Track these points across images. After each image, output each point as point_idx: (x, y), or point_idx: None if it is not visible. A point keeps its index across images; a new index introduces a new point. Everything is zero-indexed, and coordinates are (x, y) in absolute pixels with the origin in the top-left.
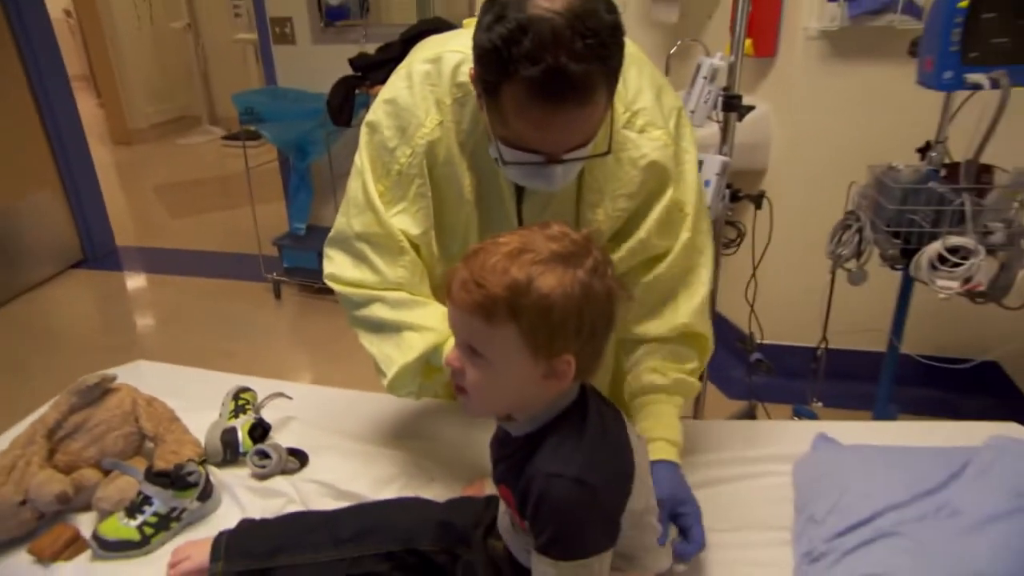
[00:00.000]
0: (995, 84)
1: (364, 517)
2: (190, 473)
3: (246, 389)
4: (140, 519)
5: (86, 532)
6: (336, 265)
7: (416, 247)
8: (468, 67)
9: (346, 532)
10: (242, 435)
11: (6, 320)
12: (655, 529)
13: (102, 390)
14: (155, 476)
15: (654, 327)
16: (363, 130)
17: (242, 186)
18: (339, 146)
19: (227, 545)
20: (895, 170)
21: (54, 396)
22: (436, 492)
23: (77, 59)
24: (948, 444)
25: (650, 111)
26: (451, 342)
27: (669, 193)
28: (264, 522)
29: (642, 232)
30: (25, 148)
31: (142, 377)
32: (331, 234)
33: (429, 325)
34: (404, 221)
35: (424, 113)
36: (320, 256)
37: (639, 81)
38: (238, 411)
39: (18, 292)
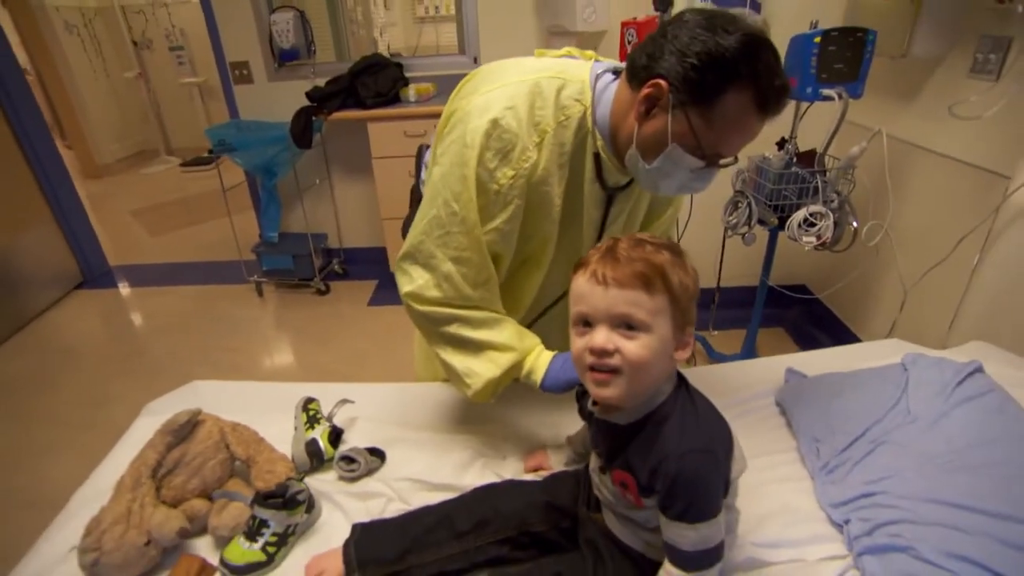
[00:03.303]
0: (840, 96)
1: (476, 509)
2: (299, 492)
3: (311, 400)
4: (261, 541)
5: (206, 556)
6: (417, 284)
7: (495, 255)
8: (569, 91)
9: (464, 525)
10: (323, 444)
11: (27, 343)
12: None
13: (192, 425)
14: (266, 500)
15: None
16: (462, 149)
17: (204, 204)
18: (301, 164)
19: (357, 555)
20: (768, 159)
21: (84, 407)
22: (513, 467)
23: (42, 109)
24: (872, 362)
25: None
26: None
27: None
28: (382, 525)
29: (669, 210)
30: (18, 189)
31: (200, 395)
32: (407, 249)
33: (511, 344)
34: (494, 238)
35: (528, 136)
36: (295, 258)
37: None
38: (311, 422)
39: (31, 317)
